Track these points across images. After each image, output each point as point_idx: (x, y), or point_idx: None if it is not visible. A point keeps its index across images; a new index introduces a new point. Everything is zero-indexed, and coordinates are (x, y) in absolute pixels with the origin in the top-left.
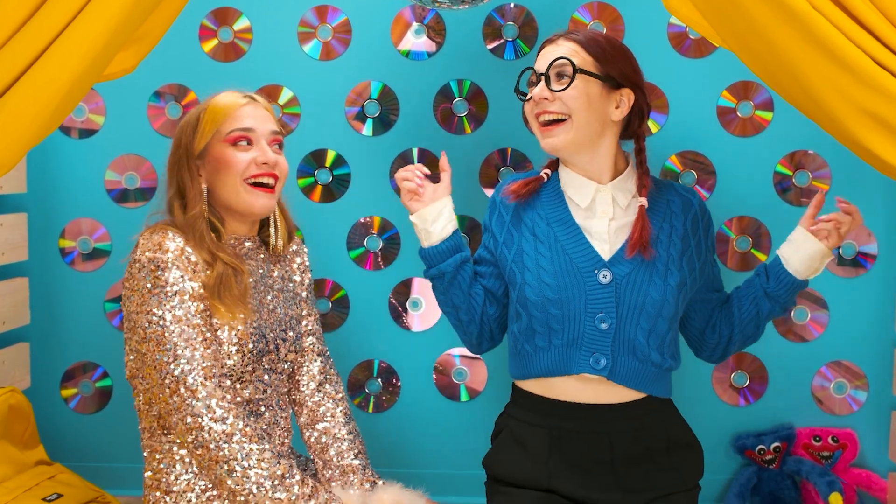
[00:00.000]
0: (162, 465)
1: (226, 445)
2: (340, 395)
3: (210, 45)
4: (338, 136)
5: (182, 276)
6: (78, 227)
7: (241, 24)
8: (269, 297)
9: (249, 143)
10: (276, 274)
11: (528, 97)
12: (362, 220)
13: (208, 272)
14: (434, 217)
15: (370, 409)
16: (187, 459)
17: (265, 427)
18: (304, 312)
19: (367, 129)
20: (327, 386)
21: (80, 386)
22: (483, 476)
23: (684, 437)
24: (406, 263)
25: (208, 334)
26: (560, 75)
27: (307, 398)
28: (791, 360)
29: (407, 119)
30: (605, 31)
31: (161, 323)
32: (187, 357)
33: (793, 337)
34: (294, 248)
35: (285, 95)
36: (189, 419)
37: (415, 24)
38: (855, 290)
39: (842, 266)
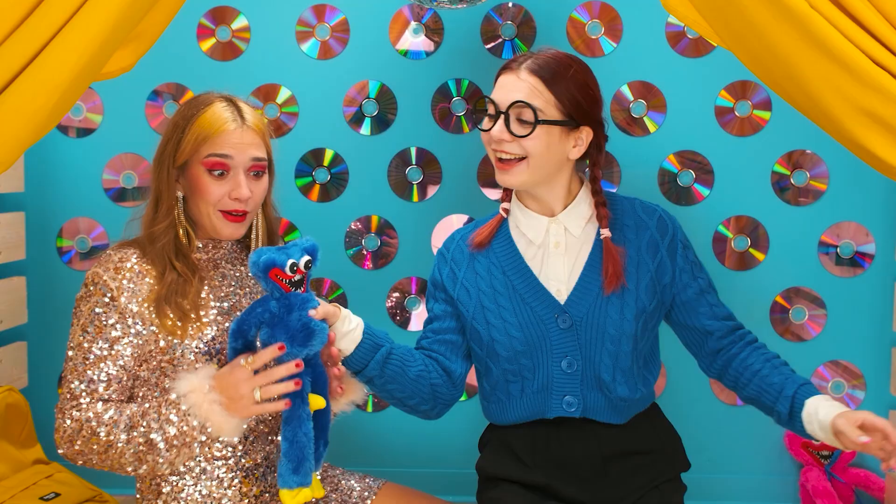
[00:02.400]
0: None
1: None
2: None
3: (208, 43)
4: (336, 135)
5: (120, 305)
6: (75, 226)
7: (239, 23)
8: (244, 302)
9: (226, 172)
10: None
11: (485, 129)
12: (360, 219)
13: (157, 286)
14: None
15: (369, 409)
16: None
17: (252, 424)
18: None
19: (365, 129)
20: None
21: None
22: None
23: (668, 430)
24: (404, 262)
25: (122, 365)
26: (520, 119)
27: None
28: (789, 359)
29: (405, 118)
30: (562, 50)
31: (75, 342)
32: (80, 381)
33: (790, 336)
34: None
35: (283, 94)
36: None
37: (413, 24)
38: (853, 289)
39: (839, 266)
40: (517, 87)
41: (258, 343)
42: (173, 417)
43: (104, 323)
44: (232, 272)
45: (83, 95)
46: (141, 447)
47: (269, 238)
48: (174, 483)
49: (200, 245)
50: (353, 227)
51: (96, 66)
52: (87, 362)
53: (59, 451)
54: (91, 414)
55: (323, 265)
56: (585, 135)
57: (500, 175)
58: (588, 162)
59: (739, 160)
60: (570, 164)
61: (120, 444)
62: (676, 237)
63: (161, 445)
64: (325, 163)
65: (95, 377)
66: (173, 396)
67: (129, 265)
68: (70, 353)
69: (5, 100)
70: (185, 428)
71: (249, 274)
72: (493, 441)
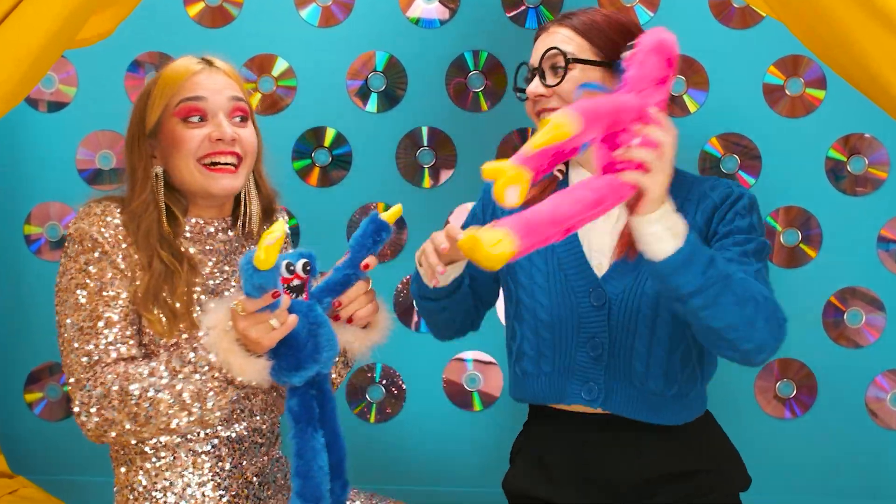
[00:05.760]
0: (125, 477)
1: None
2: None
3: (196, 8)
4: (338, 112)
5: (111, 257)
6: (45, 211)
7: None
8: (232, 284)
9: (203, 117)
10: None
11: (526, 96)
12: (365, 207)
13: (141, 275)
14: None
15: (372, 419)
16: (153, 473)
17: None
18: None
19: (370, 105)
20: None
21: (46, 390)
22: (500, 495)
23: (725, 446)
24: (413, 256)
25: (129, 319)
26: (554, 68)
27: None
28: (843, 368)
29: (416, 94)
30: (605, 9)
31: (70, 306)
32: (89, 344)
33: (845, 342)
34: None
35: (280, 66)
36: (77, 407)
37: None
38: None
39: None
40: (548, 41)
41: None
42: (201, 356)
43: (100, 278)
44: (220, 246)
45: (55, 65)
46: (182, 395)
47: (266, 213)
48: (155, 499)
49: (189, 226)
50: (356, 215)
51: (70, 32)
52: (93, 325)
53: (87, 431)
54: (115, 375)
55: (323, 258)
56: None
57: None
58: None
59: (790, 144)
60: None
61: (161, 396)
62: (737, 206)
63: (202, 389)
64: (327, 143)
65: (106, 337)
66: (201, 333)
67: (115, 221)
68: (68, 320)
69: None
70: (207, 369)
71: (239, 248)
72: (524, 452)
